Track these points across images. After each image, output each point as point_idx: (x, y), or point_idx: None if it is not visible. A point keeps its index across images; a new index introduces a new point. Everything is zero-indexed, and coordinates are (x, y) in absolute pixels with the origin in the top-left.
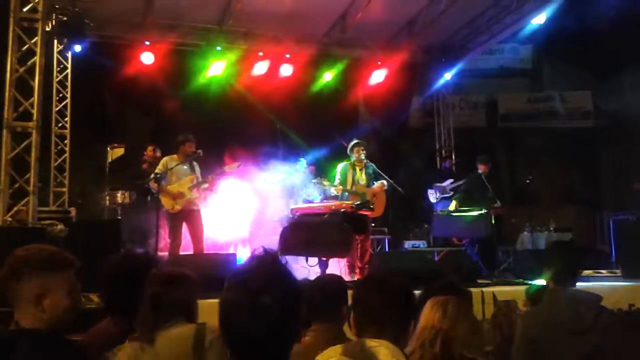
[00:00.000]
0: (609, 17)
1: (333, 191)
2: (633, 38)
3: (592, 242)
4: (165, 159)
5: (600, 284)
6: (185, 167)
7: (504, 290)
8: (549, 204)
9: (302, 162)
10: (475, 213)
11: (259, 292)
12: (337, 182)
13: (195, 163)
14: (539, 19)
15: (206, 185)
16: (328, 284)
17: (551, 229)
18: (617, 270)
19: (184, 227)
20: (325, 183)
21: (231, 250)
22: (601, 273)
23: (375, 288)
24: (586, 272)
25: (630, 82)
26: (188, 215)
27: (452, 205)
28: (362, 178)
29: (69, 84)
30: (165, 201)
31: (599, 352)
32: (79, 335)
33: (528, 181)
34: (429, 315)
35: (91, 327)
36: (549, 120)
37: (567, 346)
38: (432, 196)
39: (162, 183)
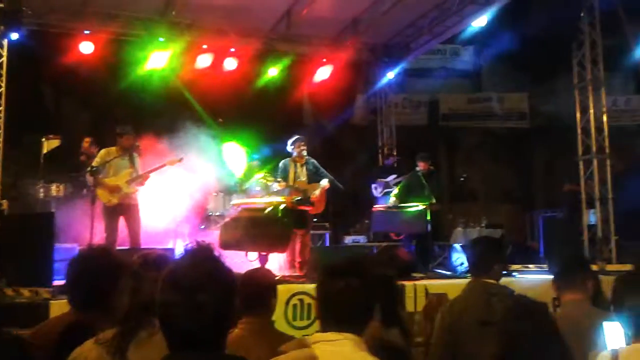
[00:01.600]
0: (545, 21)
1: (276, 187)
2: (568, 42)
3: (524, 239)
4: (102, 151)
5: (527, 277)
6: (124, 160)
7: (436, 284)
8: (484, 201)
9: (246, 157)
10: (413, 209)
11: (194, 291)
12: (278, 177)
13: (135, 156)
14: (480, 22)
15: (140, 179)
16: (258, 278)
17: (483, 225)
18: (545, 266)
19: (122, 222)
20: (270, 179)
21: (170, 245)
22: (529, 268)
23: (337, 279)
24: (515, 267)
25: (564, 85)
26: (125, 210)
27: (391, 201)
28: (302, 174)
29: (3, 72)
30: (102, 194)
31: (502, 343)
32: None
33: (462, 179)
34: None
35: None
36: (487, 121)
37: (476, 335)
38: (376, 191)
39: (98, 176)
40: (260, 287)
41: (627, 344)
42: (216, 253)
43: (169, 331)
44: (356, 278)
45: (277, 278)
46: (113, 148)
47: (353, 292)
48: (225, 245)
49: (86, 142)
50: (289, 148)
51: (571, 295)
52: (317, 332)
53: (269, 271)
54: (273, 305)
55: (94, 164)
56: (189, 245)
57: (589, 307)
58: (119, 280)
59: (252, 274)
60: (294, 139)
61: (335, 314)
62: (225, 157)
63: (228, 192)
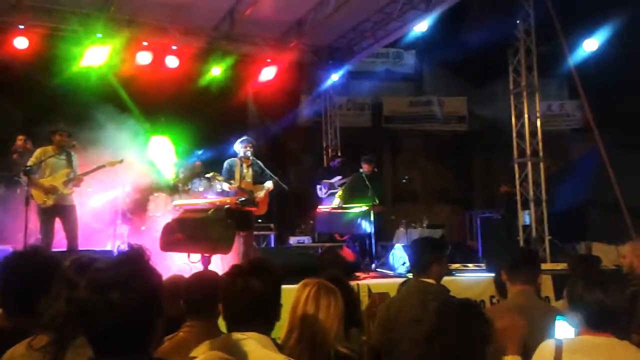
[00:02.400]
0: (483, 28)
1: (226, 187)
2: (505, 48)
3: (463, 239)
4: (38, 150)
5: (466, 276)
6: (61, 160)
7: (378, 283)
8: (426, 202)
9: (178, 156)
10: (357, 210)
11: (108, 288)
12: (223, 177)
13: (73, 155)
14: (421, 27)
15: (75, 181)
16: (204, 280)
17: (424, 225)
18: (482, 264)
19: (58, 224)
20: (219, 178)
21: (108, 247)
22: (468, 267)
23: (238, 279)
24: (454, 266)
25: (502, 90)
26: (61, 211)
27: (336, 202)
28: (248, 175)
29: None
30: (37, 195)
31: (429, 340)
32: None
33: (404, 180)
34: (303, 306)
35: None
36: (428, 123)
37: (409, 333)
38: (321, 191)
39: (33, 176)
40: (206, 291)
41: (575, 335)
42: (146, 255)
43: (86, 330)
44: (256, 278)
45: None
46: (49, 147)
47: (253, 292)
48: (167, 246)
49: (20, 139)
50: (236, 148)
51: (521, 287)
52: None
53: (216, 274)
54: (219, 309)
55: (29, 163)
56: (122, 247)
57: (537, 298)
58: (50, 284)
59: (197, 277)
60: (241, 139)
61: (237, 313)
62: (156, 155)
63: (168, 192)
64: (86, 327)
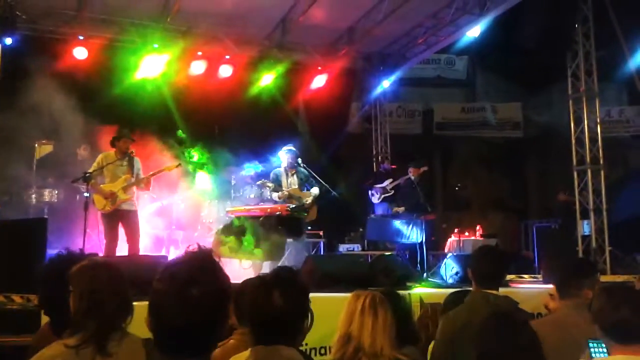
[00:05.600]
0: (539, 32)
1: (275, 196)
2: (561, 52)
3: (518, 248)
4: (100, 156)
5: (522, 287)
6: (122, 165)
7: (430, 293)
8: (478, 211)
9: (246, 166)
10: (407, 218)
11: (187, 283)
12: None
13: (136, 160)
14: (474, 32)
15: (142, 185)
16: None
17: (478, 234)
18: (539, 276)
19: (120, 228)
20: (269, 185)
21: (163, 252)
22: (524, 278)
23: (272, 291)
24: (510, 277)
25: (558, 95)
26: (124, 216)
27: (395, 210)
28: (294, 182)
29: None
30: (98, 201)
31: (477, 350)
32: (27, 337)
33: (457, 188)
34: (359, 316)
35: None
36: (481, 130)
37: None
38: (374, 197)
39: (94, 181)
40: None
41: (607, 354)
42: (215, 256)
43: (157, 325)
44: (279, 292)
45: None
46: (111, 152)
47: (275, 307)
48: (219, 252)
49: (84, 149)
50: (281, 157)
51: (568, 300)
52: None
53: None
54: None
55: (91, 169)
56: (191, 247)
57: (586, 311)
58: (77, 285)
59: (246, 285)
60: (285, 149)
61: (259, 327)
62: (208, 162)
63: (222, 198)
64: (156, 322)
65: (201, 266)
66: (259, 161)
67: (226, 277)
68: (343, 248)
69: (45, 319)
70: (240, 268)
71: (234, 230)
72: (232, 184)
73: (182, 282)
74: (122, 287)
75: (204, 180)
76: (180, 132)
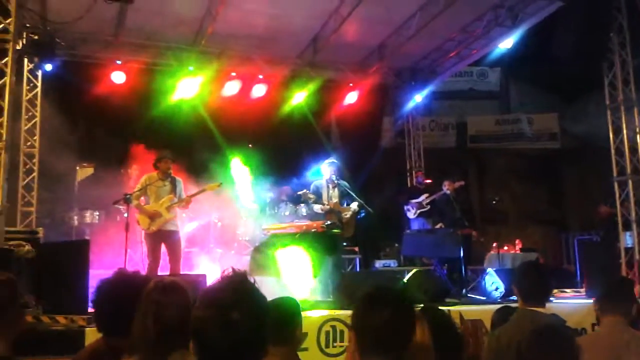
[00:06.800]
0: (574, 41)
1: (318, 208)
2: (597, 62)
3: (558, 262)
4: (143, 177)
5: (565, 302)
6: (165, 185)
7: (470, 310)
8: (517, 224)
9: (274, 183)
10: (444, 232)
11: (228, 308)
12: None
13: (178, 181)
14: (506, 44)
15: (183, 204)
16: (282, 306)
17: (517, 248)
18: (582, 290)
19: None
20: (311, 197)
21: (201, 271)
22: (566, 292)
23: (381, 305)
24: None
25: (596, 105)
26: (167, 236)
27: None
28: (335, 196)
29: (38, 102)
30: (143, 221)
31: None
32: (69, 357)
33: (494, 202)
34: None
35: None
36: (516, 142)
37: None
38: (410, 212)
39: (136, 203)
40: (286, 317)
41: None
42: (250, 279)
43: (202, 350)
44: (397, 308)
45: (309, 304)
46: (154, 173)
47: (395, 322)
48: (256, 270)
49: (134, 169)
50: (322, 170)
51: (612, 317)
52: None
53: (294, 300)
54: (299, 335)
55: (135, 189)
56: (226, 271)
57: (628, 329)
58: (138, 305)
59: (276, 303)
60: (328, 161)
61: (378, 345)
62: (243, 180)
63: (258, 216)
64: (201, 347)
65: (240, 290)
66: (293, 179)
67: (263, 298)
68: (379, 264)
69: (89, 339)
70: (276, 285)
71: (270, 247)
72: (267, 201)
73: (222, 307)
74: (187, 309)
75: (240, 197)
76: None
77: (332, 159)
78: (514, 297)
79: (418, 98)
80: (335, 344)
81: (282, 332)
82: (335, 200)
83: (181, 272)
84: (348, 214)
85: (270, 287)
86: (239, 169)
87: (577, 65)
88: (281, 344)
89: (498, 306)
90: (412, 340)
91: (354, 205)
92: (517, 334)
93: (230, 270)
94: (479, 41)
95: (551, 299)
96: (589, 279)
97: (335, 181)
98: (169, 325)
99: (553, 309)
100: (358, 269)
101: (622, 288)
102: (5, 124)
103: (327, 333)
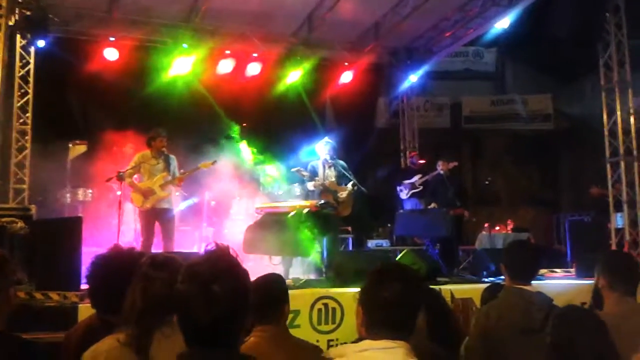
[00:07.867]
0: (569, 22)
1: (310, 186)
2: (592, 43)
3: (550, 242)
4: (137, 155)
5: (555, 282)
6: (159, 163)
7: (461, 289)
8: (509, 204)
9: (268, 162)
10: (437, 212)
11: (209, 282)
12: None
13: (172, 158)
14: (503, 24)
15: (176, 182)
16: (269, 283)
17: (509, 228)
18: (572, 270)
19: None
20: (305, 174)
21: (195, 249)
22: (556, 272)
23: (391, 279)
24: (542, 271)
25: (590, 86)
26: (161, 214)
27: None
28: (331, 175)
29: (31, 79)
30: (136, 198)
31: (547, 350)
32: (62, 333)
33: (487, 182)
34: None
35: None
36: (511, 123)
37: (517, 344)
38: (403, 193)
39: (129, 180)
40: (273, 294)
41: None
42: (232, 254)
43: (185, 323)
44: (406, 283)
45: (301, 282)
46: (147, 151)
47: (404, 297)
48: (249, 249)
49: (130, 147)
50: (318, 149)
51: (623, 295)
52: (362, 339)
53: (280, 276)
54: (286, 312)
55: (128, 167)
56: (209, 246)
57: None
58: (130, 281)
59: (262, 281)
60: (324, 141)
61: (387, 320)
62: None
63: (249, 195)
64: (184, 321)
65: (219, 263)
66: (287, 158)
67: (245, 272)
68: (372, 244)
69: (83, 315)
70: (270, 264)
71: (264, 226)
72: (260, 180)
73: (203, 280)
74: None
75: (234, 176)
76: (234, 131)
77: (327, 139)
78: (502, 277)
79: (413, 78)
80: (327, 321)
81: (269, 309)
82: (332, 179)
83: (175, 250)
84: (344, 194)
85: (264, 265)
86: (234, 147)
87: (572, 46)
88: (269, 321)
89: (488, 285)
90: (417, 316)
91: (350, 185)
92: (505, 310)
93: (213, 244)
94: (475, 20)
95: (541, 278)
96: (579, 259)
97: (331, 161)
98: (156, 300)
99: (542, 289)
100: (350, 249)
101: (629, 264)
102: None
103: (320, 311)
